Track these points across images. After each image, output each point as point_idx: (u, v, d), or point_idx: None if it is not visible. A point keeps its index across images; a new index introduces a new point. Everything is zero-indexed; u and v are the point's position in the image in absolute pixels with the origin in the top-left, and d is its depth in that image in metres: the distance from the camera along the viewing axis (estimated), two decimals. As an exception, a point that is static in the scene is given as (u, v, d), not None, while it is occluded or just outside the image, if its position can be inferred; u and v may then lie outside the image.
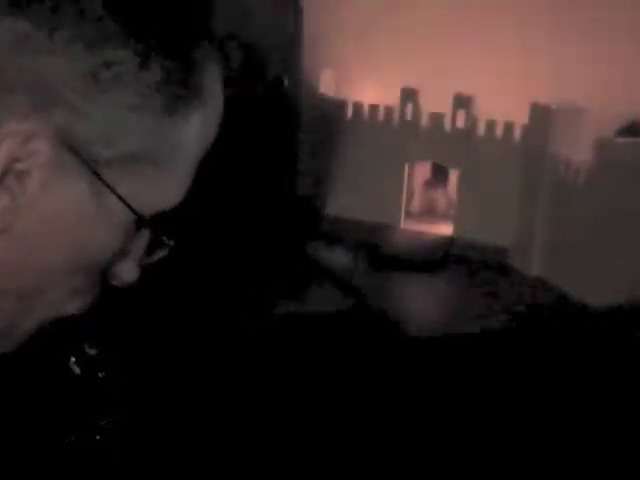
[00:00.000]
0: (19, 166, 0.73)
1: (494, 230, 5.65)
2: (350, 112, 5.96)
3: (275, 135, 5.92)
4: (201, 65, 0.74)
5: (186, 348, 3.96)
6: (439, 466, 4.35)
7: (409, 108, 5.83)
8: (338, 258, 5.79)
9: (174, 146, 0.75)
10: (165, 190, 0.77)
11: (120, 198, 0.73)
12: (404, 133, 5.86)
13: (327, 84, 6.03)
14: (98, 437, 0.78)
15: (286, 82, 5.72)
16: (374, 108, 5.94)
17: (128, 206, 0.74)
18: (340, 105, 5.96)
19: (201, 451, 3.49)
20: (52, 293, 0.77)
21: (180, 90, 0.74)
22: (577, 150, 5.39)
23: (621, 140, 5.52)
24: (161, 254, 0.80)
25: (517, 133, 5.70)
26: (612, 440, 4.50)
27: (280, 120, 5.91)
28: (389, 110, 5.89)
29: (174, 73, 0.71)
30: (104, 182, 0.72)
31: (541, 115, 5.56)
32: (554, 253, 5.70)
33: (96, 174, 0.71)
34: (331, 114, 5.95)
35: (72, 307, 0.80)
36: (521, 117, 5.56)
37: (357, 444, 4.40)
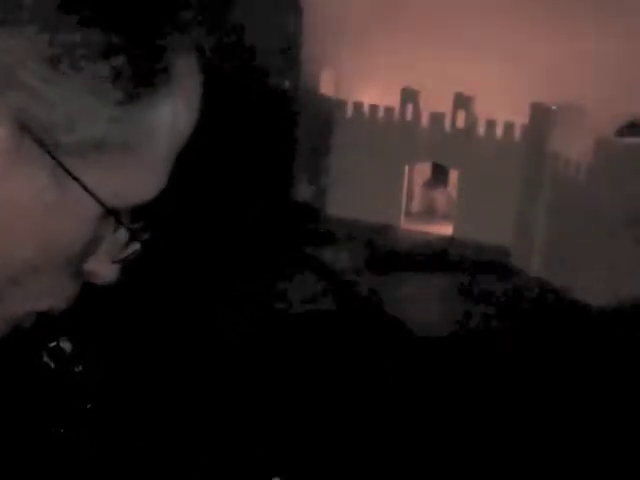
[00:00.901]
0: None
1: (494, 230, 5.66)
2: (350, 112, 5.98)
3: (275, 135, 5.93)
4: (171, 53, 0.72)
5: (176, 347, 3.96)
6: (440, 464, 4.35)
7: (409, 108, 5.84)
8: (337, 258, 5.80)
9: (141, 134, 0.73)
10: (136, 181, 0.75)
11: (83, 186, 0.71)
12: (404, 133, 5.87)
13: (327, 84, 6.05)
14: (64, 430, 0.78)
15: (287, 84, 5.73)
16: (374, 108, 5.95)
17: (93, 196, 0.72)
18: (340, 105, 5.98)
19: (179, 447, 3.50)
20: (23, 288, 0.76)
21: (145, 77, 0.72)
22: (577, 150, 5.40)
23: (621, 140, 5.53)
24: (133, 249, 0.78)
25: (517, 133, 5.71)
26: (612, 439, 4.50)
27: (280, 120, 5.92)
28: (389, 110, 5.91)
29: (138, 60, 0.70)
30: (65, 168, 0.70)
31: (541, 115, 5.56)
32: (554, 253, 5.70)
33: (57, 161, 0.70)
34: (331, 114, 5.96)
35: (46, 303, 0.79)
36: (521, 117, 5.57)
37: (356, 440, 4.40)
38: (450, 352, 5.38)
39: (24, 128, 0.71)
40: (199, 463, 3.48)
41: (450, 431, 4.58)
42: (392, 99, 5.87)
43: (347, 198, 6.06)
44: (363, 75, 5.98)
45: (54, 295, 0.81)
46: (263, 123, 5.73)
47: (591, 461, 4.40)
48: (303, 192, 6.12)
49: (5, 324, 0.80)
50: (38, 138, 0.72)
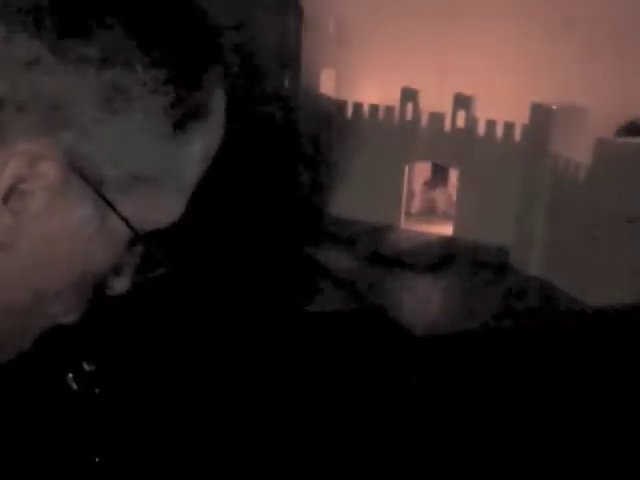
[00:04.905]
0: (24, 186, 0.73)
1: (494, 230, 5.67)
2: (350, 112, 5.98)
3: (275, 135, 5.92)
4: (208, 89, 0.74)
5: (184, 359, 3.96)
6: (440, 463, 4.35)
7: (409, 108, 5.85)
8: (338, 258, 5.80)
9: (177, 167, 0.76)
10: (165, 209, 0.78)
11: (123, 219, 0.74)
12: (404, 133, 5.87)
13: (327, 84, 6.05)
14: (97, 459, 0.79)
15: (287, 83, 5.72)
16: (374, 108, 5.95)
17: (130, 227, 0.75)
18: (340, 105, 5.98)
19: (199, 463, 3.51)
20: (50, 307, 0.79)
21: (188, 113, 0.74)
22: (577, 150, 5.40)
23: (621, 140, 5.53)
24: (159, 272, 0.81)
25: (517, 133, 5.72)
26: (612, 439, 4.51)
27: (280, 120, 5.92)
28: (389, 110, 5.91)
29: (184, 97, 0.72)
30: (110, 205, 0.73)
31: (541, 115, 5.57)
32: (554, 253, 5.71)
33: (102, 197, 0.72)
34: (331, 114, 5.96)
35: (67, 319, 0.82)
36: (521, 117, 5.57)
37: (358, 440, 4.41)
38: (450, 352, 5.38)
39: (72, 166, 0.73)
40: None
41: (450, 430, 4.58)
42: (392, 99, 5.88)
43: (347, 198, 6.06)
44: (363, 75, 5.98)
45: (74, 311, 0.83)
46: (263, 123, 5.73)
47: (590, 460, 4.41)
48: (302, 192, 6.12)
49: (30, 336, 0.82)
50: (85, 175, 0.74)
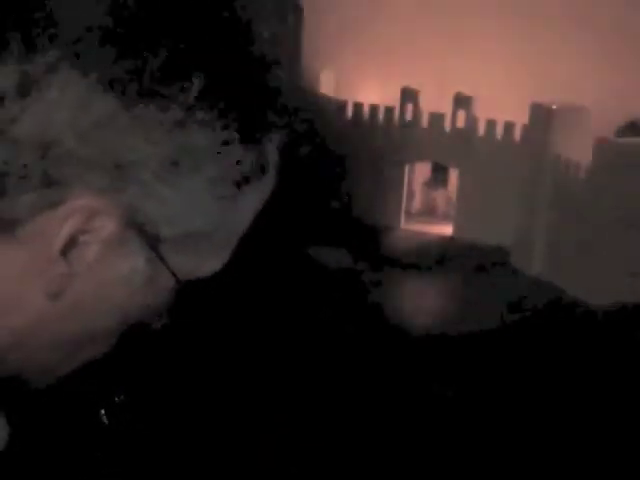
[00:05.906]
0: (82, 238, 0.74)
1: (494, 230, 5.67)
2: (350, 112, 5.98)
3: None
4: (268, 147, 0.75)
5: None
6: (440, 465, 4.36)
7: (409, 108, 5.84)
8: (338, 258, 5.80)
9: (231, 223, 0.77)
10: (213, 259, 0.79)
11: (175, 276, 0.75)
12: (404, 133, 5.87)
13: (327, 84, 6.04)
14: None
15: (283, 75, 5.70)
16: (374, 108, 5.95)
17: (177, 280, 0.76)
18: (340, 105, 5.98)
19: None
20: (91, 348, 0.80)
21: (248, 173, 0.75)
22: (577, 150, 5.41)
23: (621, 140, 5.54)
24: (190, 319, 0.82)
25: (517, 133, 5.72)
26: (612, 439, 4.52)
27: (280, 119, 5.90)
28: (389, 110, 5.91)
29: (247, 158, 0.73)
30: (163, 261, 0.74)
31: (541, 115, 5.57)
32: (554, 253, 5.71)
33: (158, 254, 0.73)
34: (331, 114, 5.96)
35: (100, 354, 0.83)
36: (521, 117, 5.57)
37: (357, 442, 4.41)
38: (450, 351, 5.39)
39: (130, 222, 0.73)
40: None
41: (448, 431, 4.59)
42: (392, 99, 5.87)
43: (347, 198, 6.06)
44: (363, 75, 5.98)
45: (108, 346, 0.84)
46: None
47: (590, 460, 4.42)
48: (302, 193, 6.11)
49: (60, 375, 0.83)
50: (142, 231, 0.74)
